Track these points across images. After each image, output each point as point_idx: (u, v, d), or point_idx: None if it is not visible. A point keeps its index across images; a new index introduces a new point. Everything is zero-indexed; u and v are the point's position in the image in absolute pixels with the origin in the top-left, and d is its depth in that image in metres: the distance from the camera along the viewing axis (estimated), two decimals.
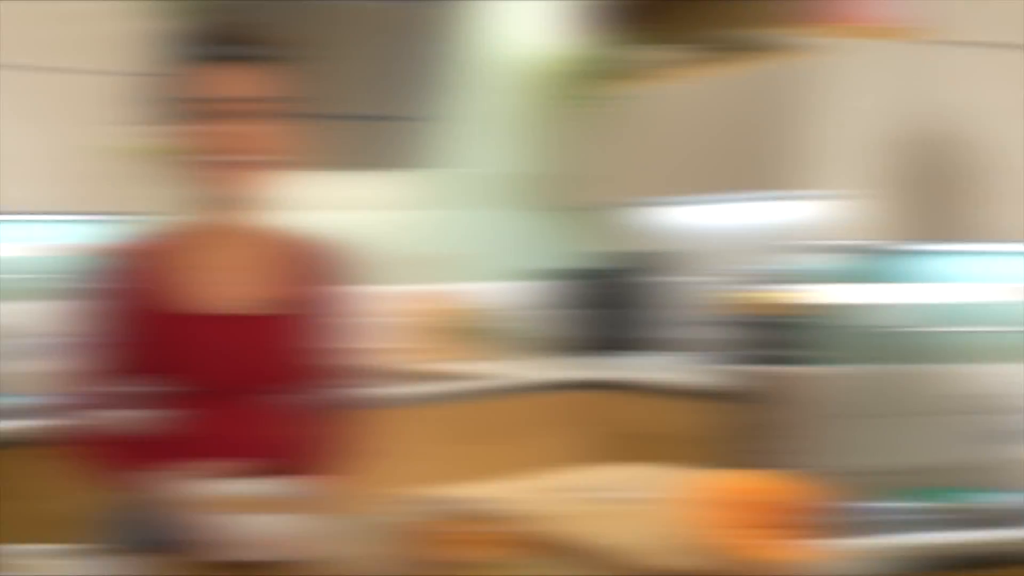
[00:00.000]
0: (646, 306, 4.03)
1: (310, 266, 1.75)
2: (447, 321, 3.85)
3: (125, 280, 1.66)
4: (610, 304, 3.94)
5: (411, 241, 3.80)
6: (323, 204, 3.49)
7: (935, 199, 2.34)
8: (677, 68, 3.72)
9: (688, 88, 3.55)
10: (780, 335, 3.02)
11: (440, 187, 3.87)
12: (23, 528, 2.24)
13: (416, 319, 3.74)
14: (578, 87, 3.85)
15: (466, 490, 1.77)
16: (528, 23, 4.07)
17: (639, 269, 4.05)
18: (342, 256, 1.80)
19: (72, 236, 2.89)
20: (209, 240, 1.70)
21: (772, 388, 2.96)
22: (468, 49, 3.55)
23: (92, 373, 1.66)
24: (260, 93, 1.63)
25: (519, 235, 4.11)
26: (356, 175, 3.68)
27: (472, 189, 3.97)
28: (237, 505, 1.43)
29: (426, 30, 3.37)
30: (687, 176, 3.56)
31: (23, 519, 2.35)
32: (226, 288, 1.69)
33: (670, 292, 4.02)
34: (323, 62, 3.12)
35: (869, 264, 2.40)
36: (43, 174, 2.77)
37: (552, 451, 3.30)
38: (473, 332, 3.84)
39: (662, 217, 4.08)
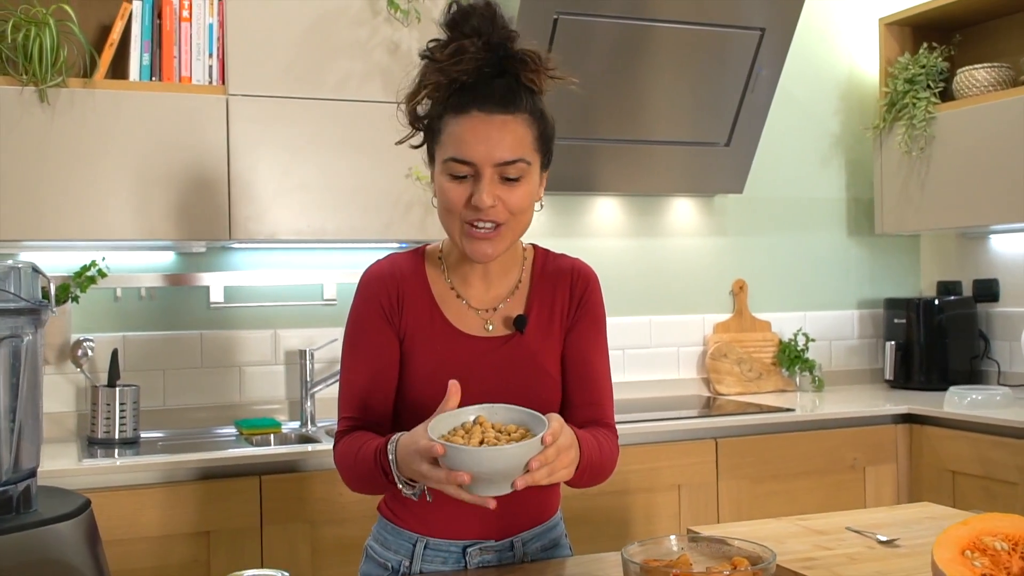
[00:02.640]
0: (977, 337, 3.84)
1: (579, 290, 1.67)
2: (764, 350, 3.85)
3: (392, 303, 1.61)
4: (939, 335, 3.78)
5: (721, 268, 3.87)
6: (634, 231, 3.73)
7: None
8: (999, 87, 3.56)
9: (1013, 107, 3.37)
10: None
11: (752, 212, 3.91)
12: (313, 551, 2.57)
13: (729, 348, 3.78)
14: (900, 108, 3.74)
15: (772, 528, 1.76)
16: (844, 46, 4.03)
17: (971, 299, 3.86)
18: (594, 277, 1.69)
19: (347, 263, 3.24)
20: (471, 268, 1.63)
21: None
22: (780, 72, 3.53)
23: (364, 398, 1.60)
24: (515, 154, 1.50)
25: (842, 262, 4.06)
26: (671, 200, 3.78)
27: (791, 215, 3.98)
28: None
29: (740, 55, 3.38)
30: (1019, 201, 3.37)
31: (312, 542, 2.59)
32: (483, 312, 1.63)
33: (1003, 323, 3.82)
34: (636, 86, 3.29)
35: None
36: (331, 203, 2.92)
37: (871, 489, 3.28)
38: (793, 362, 3.80)
39: (996, 244, 3.89)
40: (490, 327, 1.63)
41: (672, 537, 1.45)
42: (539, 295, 1.66)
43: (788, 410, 3.27)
